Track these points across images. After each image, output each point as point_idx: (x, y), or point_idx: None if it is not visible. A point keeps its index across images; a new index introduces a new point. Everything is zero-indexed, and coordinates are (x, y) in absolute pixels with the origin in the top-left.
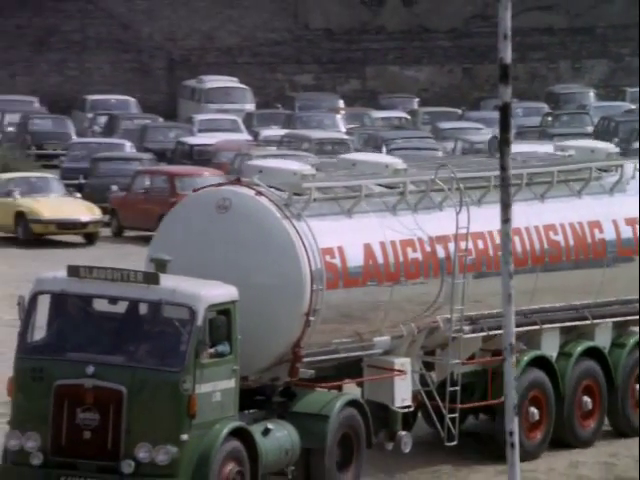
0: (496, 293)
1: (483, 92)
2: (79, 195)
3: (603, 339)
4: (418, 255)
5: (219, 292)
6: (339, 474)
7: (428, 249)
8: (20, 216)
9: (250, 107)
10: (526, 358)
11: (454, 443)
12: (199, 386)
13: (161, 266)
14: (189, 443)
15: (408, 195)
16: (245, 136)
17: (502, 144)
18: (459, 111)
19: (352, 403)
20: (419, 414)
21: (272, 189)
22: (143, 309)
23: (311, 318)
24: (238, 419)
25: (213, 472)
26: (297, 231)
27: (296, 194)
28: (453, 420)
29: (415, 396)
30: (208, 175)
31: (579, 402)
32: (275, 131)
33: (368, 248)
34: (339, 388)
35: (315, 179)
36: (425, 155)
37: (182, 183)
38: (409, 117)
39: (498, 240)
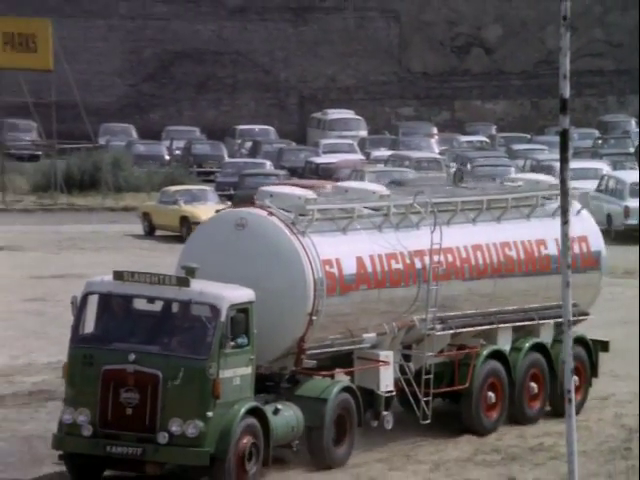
0: (462, 297)
1: (547, 121)
2: (229, 203)
3: (546, 336)
4: (400, 266)
5: (239, 294)
6: (335, 448)
7: (408, 261)
8: (184, 219)
9: (363, 133)
10: (485, 352)
11: (428, 421)
12: (222, 372)
13: (190, 272)
14: (213, 419)
15: (391, 216)
16: (359, 156)
17: (562, 162)
18: (528, 136)
19: (346, 389)
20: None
21: (281, 210)
22: (176, 307)
23: (314, 318)
24: (254, 400)
25: (233, 443)
26: (302, 245)
27: (301, 214)
28: (427, 403)
29: (396, 383)
30: (326, 187)
31: (527, 388)
32: (383, 152)
33: (360, 260)
34: (332, 376)
35: (316, 202)
36: (499, 171)
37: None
38: (488, 140)
39: (464, 254)
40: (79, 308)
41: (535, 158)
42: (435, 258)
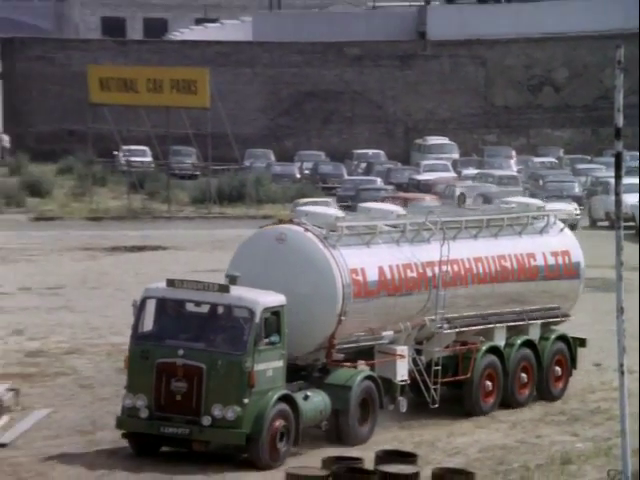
0: (465, 301)
1: (604, 145)
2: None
3: (534, 334)
4: (414, 274)
5: (272, 299)
6: (359, 427)
7: (420, 270)
8: None
9: (456, 156)
10: (484, 347)
11: (436, 406)
12: (256, 365)
13: (233, 280)
14: (249, 405)
15: (407, 232)
16: (452, 174)
17: (616, 178)
18: (589, 157)
19: (369, 377)
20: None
21: (315, 227)
22: (218, 310)
23: (342, 318)
24: (285, 389)
25: (266, 426)
26: (333, 256)
27: (331, 230)
28: (435, 390)
29: (409, 373)
30: (428, 200)
31: (518, 378)
32: (471, 171)
33: (381, 269)
34: (356, 367)
35: (344, 220)
36: (565, 186)
37: (412, 205)
38: (557, 161)
39: (467, 264)
40: (138, 310)
41: (594, 175)
42: (443, 268)
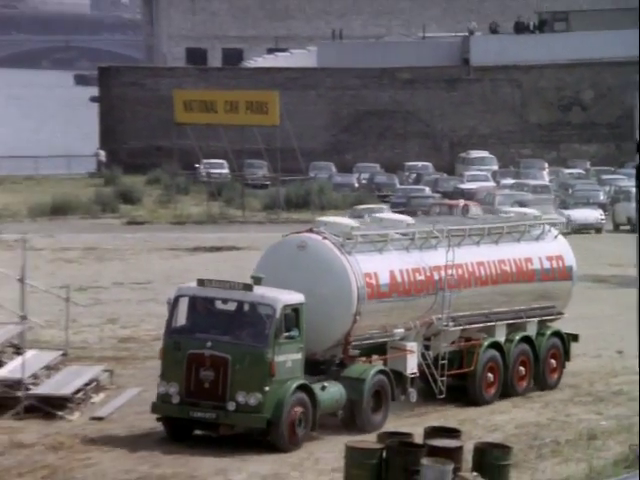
0: (468, 301)
1: (626, 158)
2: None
3: (532, 330)
4: (422, 278)
5: (291, 297)
6: (372, 415)
7: (428, 274)
8: None
9: (495, 167)
10: (486, 343)
11: (443, 396)
12: (277, 356)
13: (257, 280)
14: (270, 392)
15: (416, 240)
16: (492, 183)
17: (637, 187)
18: (613, 169)
19: (381, 371)
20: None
21: (333, 235)
22: (242, 307)
23: (357, 317)
24: (303, 379)
25: (285, 412)
26: (348, 262)
27: (347, 239)
28: (442, 382)
29: (419, 366)
30: (471, 205)
31: (517, 370)
32: (509, 180)
33: (392, 273)
34: (370, 361)
35: (359, 229)
36: (591, 194)
37: (457, 210)
38: (584, 172)
39: (470, 268)
40: (172, 307)
41: (617, 185)
42: (449, 272)
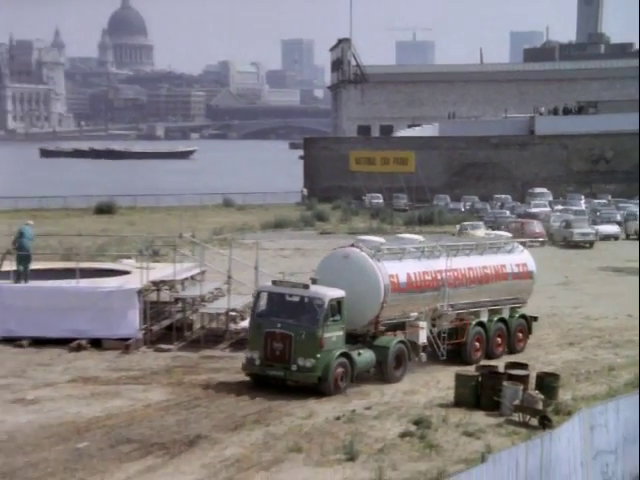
0: (462, 294)
1: (635, 192)
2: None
3: (505, 314)
4: (429, 278)
5: (335, 292)
6: (394, 372)
7: (434, 275)
8: None
9: (550, 199)
10: (474, 322)
11: (444, 358)
12: (325, 334)
13: (313, 281)
14: (320, 358)
15: (425, 252)
16: (548, 209)
17: None
18: (626, 200)
19: (401, 341)
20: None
21: (367, 249)
22: (303, 299)
23: (384, 305)
24: (344, 348)
25: (332, 371)
26: (378, 267)
27: (377, 251)
28: (444, 348)
29: (427, 338)
30: (535, 223)
31: (495, 341)
32: (559, 207)
33: (408, 275)
34: (394, 335)
35: (385, 245)
36: (610, 215)
37: (528, 225)
38: (607, 202)
39: (463, 272)
40: (255, 299)
41: (628, 209)
42: (448, 274)
